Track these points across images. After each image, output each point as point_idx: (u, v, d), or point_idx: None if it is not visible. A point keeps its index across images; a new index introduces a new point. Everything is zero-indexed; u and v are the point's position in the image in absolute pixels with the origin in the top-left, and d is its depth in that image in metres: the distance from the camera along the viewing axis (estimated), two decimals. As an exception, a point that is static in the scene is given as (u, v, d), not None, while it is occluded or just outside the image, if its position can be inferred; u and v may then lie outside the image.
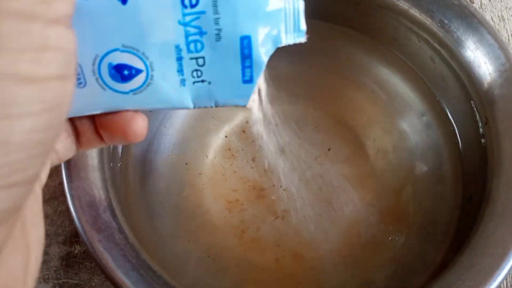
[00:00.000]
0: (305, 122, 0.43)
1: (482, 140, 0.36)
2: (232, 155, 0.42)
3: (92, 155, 0.31)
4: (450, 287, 0.27)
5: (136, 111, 0.22)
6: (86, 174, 0.30)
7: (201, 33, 0.20)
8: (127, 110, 0.22)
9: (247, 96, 0.22)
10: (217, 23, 0.20)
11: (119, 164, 0.37)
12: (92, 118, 0.23)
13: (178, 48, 0.21)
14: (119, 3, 0.20)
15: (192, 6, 0.20)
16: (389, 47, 0.42)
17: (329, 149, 0.43)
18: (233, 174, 0.42)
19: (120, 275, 0.27)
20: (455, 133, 0.40)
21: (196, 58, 0.21)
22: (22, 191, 0.14)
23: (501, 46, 0.34)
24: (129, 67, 0.20)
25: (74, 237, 0.44)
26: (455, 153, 0.40)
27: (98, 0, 0.20)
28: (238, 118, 0.44)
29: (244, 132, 0.43)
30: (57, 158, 0.23)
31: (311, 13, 0.41)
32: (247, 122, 0.43)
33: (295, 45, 0.22)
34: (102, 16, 0.20)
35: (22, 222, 0.18)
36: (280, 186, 0.42)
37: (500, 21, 0.51)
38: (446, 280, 0.28)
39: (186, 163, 0.41)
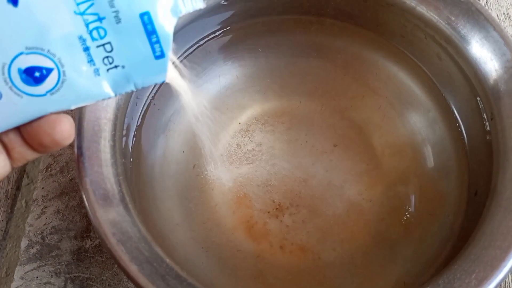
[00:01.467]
0: (311, 119, 0.44)
1: (488, 136, 0.36)
2: (241, 152, 0.43)
3: (106, 150, 0.32)
4: (456, 280, 0.28)
5: (58, 113, 0.22)
6: (99, 168, 0.31)
7: (100, 18, 0.21)
8: (50, 114, 0.22)
9: (164, 71, 0.22)
10: (112, 6, 0.20)
11: (130, 160, 0.37)
12: (18, 130, 0.22)
13: (81, 39, 0.21)
14: (11, 6, 0.20)
15: None
16: (396, 44, 0.42)
17: (335, 145, 0.43)
18: (242, 171, 0.42)
19: (134, 268, 0.28)
20: (461, 128, 0.40)
21: (103, 45, 0.21)
22: None
23: (507, 43, 0.35)
24: (39, 68, 0.20)
25: (85, 232, 0.45)
26: (460, 148, 0.40)
27: None
28: (247, 114, 0.44)
29: (252, 129, 0.44)
30: None
31: (318, 11, 0.42)
32: (255, 119, 0.44)
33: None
34: None
35: None
36: (287, 182, 0.42)
37: (506, 19, 0.51)
38: (453, 273, 0.28)
39: (195, 160, 0.42)
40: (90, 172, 0.30)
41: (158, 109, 0.41)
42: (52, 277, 0.43)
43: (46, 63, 0.20)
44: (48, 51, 0.20)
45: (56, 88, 0.21)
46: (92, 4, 0.20)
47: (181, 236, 0.38)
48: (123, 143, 0.35)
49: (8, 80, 0.20)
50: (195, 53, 0.42)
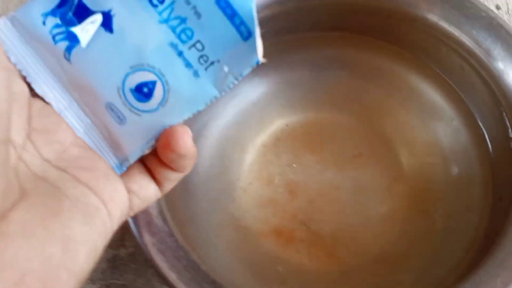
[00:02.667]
0: (337, 130, 0.45)
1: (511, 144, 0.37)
2: (270, 160, 0.44)
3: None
4: (483, 283, 0.29)
5: (175, 125, 0.22)
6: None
7: (183, 20, 0.21)
8: (167, 128, 0.22)
9: (255, 51, 0.21)
10: (188, 3, 0.20)
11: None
12: (154, 152, 0.23)
13: (173, 45, 0.21)
14: (108, 33, 0.21)
15: (161, 2, 0.21)
16: (418, 56, 0.43)
17: (360, 154, 0.44)
18: (271, 180, 0.44)
19: (173, 275, 0.30)
20: (485, 136, 0.41)
21: (194, 45, 0.21)
22: None
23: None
24: (145, 83, 0.21)
25: (119, 240, 0.46)
26: (485, 156, 0.40)
27: (93, 43, 0.21)
28: (274, 128, 0.46)
29: (279, 140, 0.45)
30: (138, 199, 0.24)
31: (340, 26, 0.43)
32: (281, 131, 0.45)
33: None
34: (102, 53, 0.21)
35: None
36: (313, 190, 0.43)
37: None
38: (479, 277, 0.29)
39: (226, 168, 0.43)
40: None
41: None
42: (88, 283, 0.44)
43: (149, 76, 0.21)
44: (148, 64, 0.21)
45: (165, 99, 0.22)
46: (172, 9, 0.21)
47: (212, 246, 0.40)
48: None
49: (126, 102, 0.22)
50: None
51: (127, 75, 0.21)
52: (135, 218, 0.31)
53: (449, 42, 0.38)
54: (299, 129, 0.45)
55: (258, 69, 0.44)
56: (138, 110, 0.22)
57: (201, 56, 0.21)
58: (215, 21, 0.21)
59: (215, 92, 0.22)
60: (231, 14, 0.20)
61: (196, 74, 0.21)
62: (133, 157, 0.23)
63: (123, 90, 0.21)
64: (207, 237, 0.39)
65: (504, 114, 0.37)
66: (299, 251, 0.41)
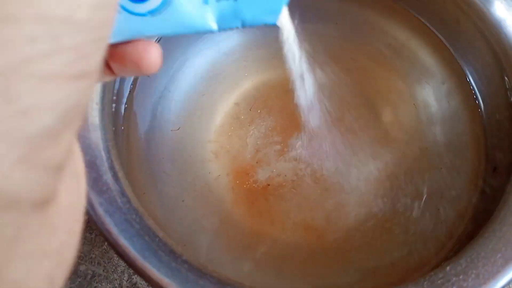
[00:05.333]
0: (318, 90, 0.41)
1: (511, 108, 0.34)
2: (242, 123, 0.40)
3: (93, 114, 0.29)
4: (481, 259, 0.25)
5: (149, 40, 0.20)
6: (86, 132, 0.28)
7: None
8: (139, 40, 0.19)
9: (278, 12, 0.19)
10: None
11: (122, 128, 0.35)
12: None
13: None
14: None
15: None
16: (411, 10, 0.39)
17: (342, 118, 0.40)
18: (243, 142, 0.39)
19: (123, 241, 0.25)
20: (478, 101, 0.38)
21: None
22: (85, 86, 0.13)
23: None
24: None
25: (73, 206, 0.42)
26: (477, 122, 0.37)
27: None
28: (247, 84, 0.41)
29: (254, 98, 0.41)
30: None
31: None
32: (256, 88, 0.41)
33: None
34: None
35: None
36: (289, 157, 0.40)
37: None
38: (476, 251, 0.26)
39: (193, 130, 0.39)
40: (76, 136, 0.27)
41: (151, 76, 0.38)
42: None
43: None
44: None
45: (159, 10, 0.18)
46: None
47: (175, 209, 0.36)
48: (113, 109, 0.32)
49: None
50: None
51: None
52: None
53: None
54: (276, 87, 0.41)
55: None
56: (121, 6, 0.18)
57: None
58: None
59: (213, 27, 0.19)
60: None
61: (206, 0, 0.19)
62: None
63: None
64: (169, 201, 0.35)
65: (504, 73, 0.34)
66: (274, 222, 0.37)
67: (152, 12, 0.18)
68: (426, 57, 0.40)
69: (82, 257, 0.40)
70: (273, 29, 0.41)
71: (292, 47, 0.25)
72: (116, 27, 0.18)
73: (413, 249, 0.34)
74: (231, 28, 0.19)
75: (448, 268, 0.25)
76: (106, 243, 0.41)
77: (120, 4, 0.18)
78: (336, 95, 0.41)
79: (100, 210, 0.26)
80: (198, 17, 0.19)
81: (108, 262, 0.40)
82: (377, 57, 0.41)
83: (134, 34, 0.19)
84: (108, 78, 0.21)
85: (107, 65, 0.20)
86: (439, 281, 0.25)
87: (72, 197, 0.15)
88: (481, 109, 0.37)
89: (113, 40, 0.19)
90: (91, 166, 0.27)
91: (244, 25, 0.19)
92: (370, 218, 0.37)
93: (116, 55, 0.20)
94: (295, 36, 0.23)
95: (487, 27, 0.34)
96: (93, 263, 0.40)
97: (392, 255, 0.34)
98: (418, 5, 0.38)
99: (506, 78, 0.34)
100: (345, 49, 0.41)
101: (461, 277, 0.25)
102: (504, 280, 0.25)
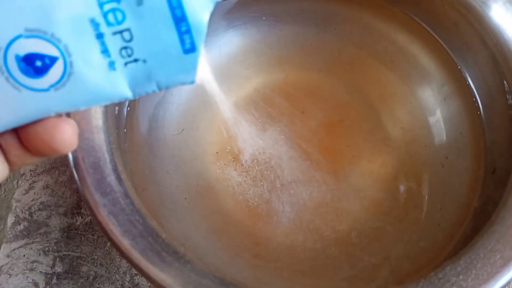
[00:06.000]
0: (316, 92, 0.41)
1: (510, 111, 0.34)
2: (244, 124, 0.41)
3: (96, 116, 0.29)
4: (480, 259, 0.26)
5: (59, 116, 0.18)
6: (90, 134, 0.28)
7: None
8: (49, 118, 0.18)
9: (193, 69, 0.18)
10: None
11: (124, 130, 0.35)
12: (15, 132, 0.19)
13: (94, 23, 0.16)
14: None
15: None
16: (410, 13, 0.40)
17: (342, 120, 0.41)
18: (247, 143, 0.40)
19: (126, 242, 0.26)
20: (478, 104, 0.38)
21: (121, 32, 0.17)
22: None
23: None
24: (41, 56, 0.17)
25: (75, 208, 0.42)
26: (477, 125, 0.38)
27: None
28: (248, 86, 0.42)
29: (254, 101, 0.41)
30: None
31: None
32: (257, 92, 0.41)
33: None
34: None
35: None
36: (289, 159, 0.40)
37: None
38: (475, 252, 0.26)
39: (194, 132, 0.39)
40: (79, 138, 0.28)
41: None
42: (40, 255, 0.41)
43: (49, 50, 0.17)
44: (52, 35, 0.16)
45: (62, 82, 0.17)
46: None
47: (178, 213, 0.36)
48: (116, 110, 0.32)
49: (4, 69, 0.17)
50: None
51: (17, 37, 0.16)
52: (82, 174, 0.26)
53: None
54: (276, 90, 0.41)
55: (234, 19, 0.41)
56: (19, 83, 0.17)
57: (125, 48, 0.17)
58: (157, 17, 0.17)
59: (127, 94, 0.18)
60: (180, 18, 0.17)
61: (111, 65, 0.17)
62: None
63: (5, 54, 0.16)
64: (171, 202, 0.35)
65: (503, 76, 0.34)
66: (272, 223, 0.38)
67: (54, 86, 0.17)
68: (425, 60, 0.40)
69: (84, 258, 0.41)
70: (274, 32, 0.42)
71: (221, 101, 0.24)
72: (18, 107, 0.17)
73: (413, 250, 0.34)
74: (147, 93, 0.18)
75: (448, 268, 0.26)
76: (108, 244, 0.41)
77: (17, 81, 0.17)
78: (336, 99, 0.41)
79: (104, 211, 0.26)
80: (108, 85, 0.18)
81: (111, 263, 0.40)
82: (376, 60, 0.41)
83: (41, 113, 0.18)
84: (31, 161, 0.20)
85: (26, 148, 0.19)
86: (439, 281, 0.25)
87: None
88: (480, 112, 0.38)
89: (18, 123, 0.18)
90: (95, 167, 0.27)
91: (160, 88, 0.18)
92: (369, 219, 0.37)
93: (27, 138, 0.18)
94: (220, 91, 0.23)
95: (485, 31, 0.34)
96: (95, 264, 0.40)
97: (392, 255, 0.34)
98: (417, 9, 0.39)
99: (505, 81, 0.34)
100: (343, 53, 0.42)
101: (461, 277, 0.25)
102: (503, 280, 0.25)
